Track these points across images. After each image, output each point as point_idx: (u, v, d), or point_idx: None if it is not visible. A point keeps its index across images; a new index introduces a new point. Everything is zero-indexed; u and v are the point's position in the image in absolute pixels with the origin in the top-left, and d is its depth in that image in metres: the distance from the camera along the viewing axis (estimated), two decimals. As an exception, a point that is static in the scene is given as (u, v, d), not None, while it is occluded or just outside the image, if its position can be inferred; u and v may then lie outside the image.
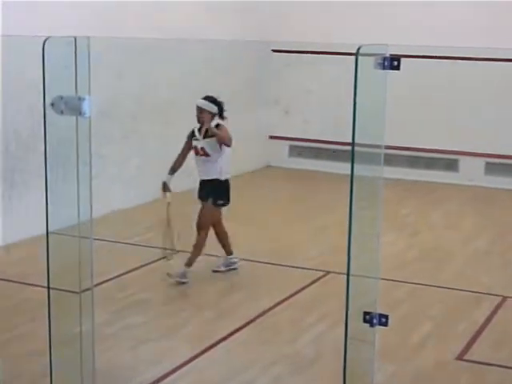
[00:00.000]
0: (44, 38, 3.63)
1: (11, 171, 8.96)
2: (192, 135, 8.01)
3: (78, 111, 3.65)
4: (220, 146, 7.89)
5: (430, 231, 10.13)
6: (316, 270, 8.29)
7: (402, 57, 3.73)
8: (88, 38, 3.67)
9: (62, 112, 3.70)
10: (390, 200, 10.96)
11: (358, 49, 3.44)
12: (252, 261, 8.59)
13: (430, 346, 6.47)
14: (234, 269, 8.27)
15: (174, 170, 8.01)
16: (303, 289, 7.77)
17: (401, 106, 12.07)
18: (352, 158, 3.61)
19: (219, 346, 6.39)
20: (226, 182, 8.09)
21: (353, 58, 3.48)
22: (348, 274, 3.75)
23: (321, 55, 13.36)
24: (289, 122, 13.87)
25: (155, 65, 11.02)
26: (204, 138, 7.92)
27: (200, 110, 7.85)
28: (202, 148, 7.92)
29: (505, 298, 7.48)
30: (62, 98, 3.66)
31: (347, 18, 13.06)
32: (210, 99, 7.92)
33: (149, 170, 10.46)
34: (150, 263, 8.44)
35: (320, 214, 10.82)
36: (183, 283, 7.80)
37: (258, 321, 6.93)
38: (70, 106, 3.66)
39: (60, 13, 9.14)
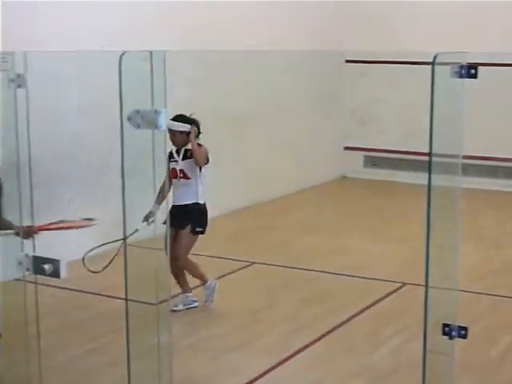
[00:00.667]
0: (120, 53, 3.68)
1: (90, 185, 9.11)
2: (170, 157, 7.35)
3: (154, 125, 3.68)
4: (200, 168, 7.41)
5: (511, 243, 9.93)
6: (393, 281, 8.21)
7: (480, 65, 3.67)
8: (164, 52, 3.70)
9: (138, 126, 3.74)
10: (470, 211, 10.78)
11: (435, 57, 3.39)
12: (329, 272, 8.55)
13: (510, 359, 6.33)
14: (194, 307, 7.57)
15: (162, 199, 6.62)
16: (380, 300, 7.70)
17: (481, 114, 11.88)
18: (429, 167, 3.56)
19: (296, 357, 6.37)
20: (204, 205, 7.52)
21: (429, 66, 3.44)
22: (426, 286, 3.69)
23: (396, 65, 13.25)
24: (364, 132, 13.79)
25: (231, 76, 11.09)
26: (183, 159, 7.38)
27: (170, 131, 7.12)
28: (181, 170, 7.37)
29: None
30: (138, 111, 3.70)
31: (423, 26, 12.93)
32: (180, 119, 7.28)
33: (222, 181, 10.49)
34: (224, 275, 8.47)
35: (397, 225, 10.72)
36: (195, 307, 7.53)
37: (334, 333, 6.88)
38: (147, 120, 3.69)
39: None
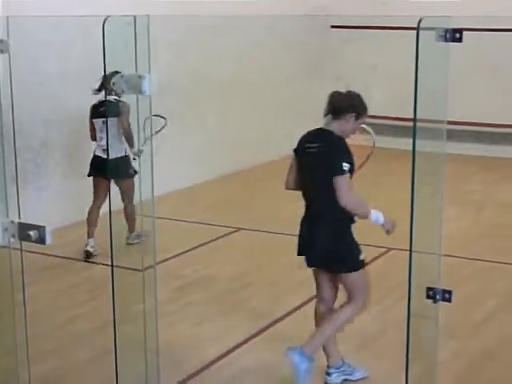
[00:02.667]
0: (104, 18, 3.65)
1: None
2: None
3: (138, 90, 3.66)
4: None
5: (496, 207, 9.98)
6: (378, 246, 8.24)
7: (465, 30, 3.66)
8: (148, 16, 3.68)
9: (122, 91, 3.73)
10: (455, 176, 10.79)
11: (419, 22, 3.38)
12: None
13: (494, 322, 6.40)
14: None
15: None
16: (366, 265, 7.71)
17: (465, 79, 11.88)
18: (414, 133, 3.56)
19: (281, 322, 6.41)
20: None
21: (414, 31, 3.43)
22: (410, 250, 3.71)
23: (381, 30, 13.21)
24: (350, 98, 13.73)
25: (215, 42, 11.03)
26: None
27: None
28: None
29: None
30: (122, 76, 3.68)
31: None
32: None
33: (210, 147, 10.47)
34: (211, 241, 8.49)
35: (382, 190, 10.74)
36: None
37: (320, 298, 6.91)
38: (131, 85, 3.67)
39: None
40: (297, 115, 12.94)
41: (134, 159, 7.69)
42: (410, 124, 3.55)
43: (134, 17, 3.60)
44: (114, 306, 4.25)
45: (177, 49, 10.12)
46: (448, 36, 3.56)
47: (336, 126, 5.22)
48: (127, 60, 3.74)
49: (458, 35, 3.56)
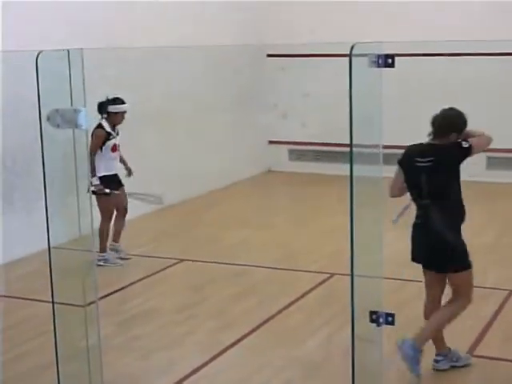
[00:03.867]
0: (37, 52, 3.63)
1: (10, 188, 8.96)
2: (108, 134, 8.55)
3: (74, 124, 3.64)
4: None
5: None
6: (321, 272, 8.28)
7: (397, 55, 3.72)
8: (81, 50, 3.66)
9: (58, 125, 3.69)
10: (392, 199, 10.93)
11: (352, 48, 3.42)
12: (258, 266, 8.58)
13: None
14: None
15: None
16: (309, 292, 7.76)
17: (400, 103, 12.09)
18: (351, 158, 3.60)
19: (229, 352, 6.38)
20: None
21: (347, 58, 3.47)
22: (352, 275, 3.74)
23: (315, 57, 13.35)
24: (287, 125, 13.86)
25: (151, 72, 11.02)
26: (117, 135, 8.70)
27: (121, 113, 8.61)
28: (118, 145, 8.71)
29: (511, 292, 7.46)
30: (57, 110, 3.65)
31: (339, 17, 13.03)
32: (122, 100, 8.64)
33: (149, 179, 10.41)
34: (153, 274, 8.43)
35: (323, 216, 10.81)
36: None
37: (266, 326, 6.91)
38: (66, 119, 3.64)
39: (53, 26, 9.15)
40: (234, 144, 13.00)
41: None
42: (347, 149, 3.59)
43: (68, 50, 3.58)
44: (57, 343, 4.19)
45: (113, 81, 10.07)
46: (380, 61, 3.62)
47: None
48: (62, 94, 3.71)
49: (390, 60, 3.62)
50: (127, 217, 8.94)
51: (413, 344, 5.58)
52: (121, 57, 10.28)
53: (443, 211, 5.64)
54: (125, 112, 8.62)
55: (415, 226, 5.89)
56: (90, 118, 3.76)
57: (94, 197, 8.32)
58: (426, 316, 5.86)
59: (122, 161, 8.90)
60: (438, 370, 5.84)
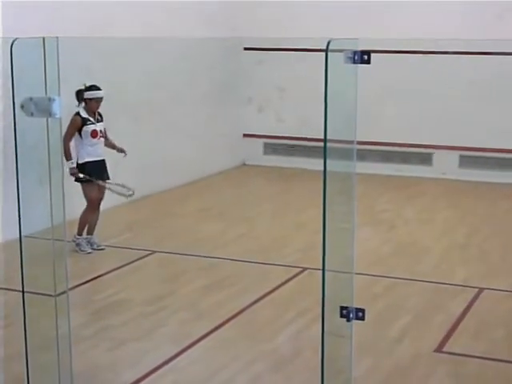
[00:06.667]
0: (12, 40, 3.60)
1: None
2: (85, 121, 8.65)
3: (48, 112, 3.61)
4: None
5: (406, 225, 10.17)
6: (293, 266, 8.30)
7: (373, 52, 3.73)
8: (57, 38, 3.64)
9: (32, 114, 3.67)
10: (366, 195, 11.00)
11: (328, 44, 3.43)
12: (231, 259, 8.59)
13: (407, 339, 6.49)
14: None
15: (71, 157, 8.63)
16: (281, 286, 7.78)
17: (374, 100, 12.15)
18: (324, 154, 3.61)
19: (199, 344, 6.38)
20: None
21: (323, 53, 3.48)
22: (323, 270, 3.75)
23: (293, 52, 13.37)
24: (262, 119, 13.87)
25: (127, 64, 10.97)
26: (97, 122, 8.77)
27: (96, 99, 8.68)
28: (101, 131, 8.80)
29: (481, 290, 7.53)
30: (31, 99, 3.63)
31: (318, 13, 13.05)
32: (97, 87, 8.70)
33: (122, 170, 10.38)
34: (126, 264, 8.41)
35: (296, 210, 10.83)
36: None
37: (236, 319, 6.92)
38: (40, 108, 3.62)
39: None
40: (209, 137, 12.98)
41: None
42: (321, 144, 3.60)
43: (43, 38, 3.56)
44: (26, 333, 4.17)
45: (88, 71, 10.01)
46: (356, 58, 3.63)
47: None
48: (37, 82, 3.69)
49: (366, 57, 3.63)
50: (101, 206, 8.94)
51: None
52: (96, 46, 10.22)
53: None
54: (101, 98, 8.69)
55: None
56: (64, 107, 3.72)
57: (74, 186, 8.59)
58: None
59: (111, 145, 9.01)
60: None
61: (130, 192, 8.81)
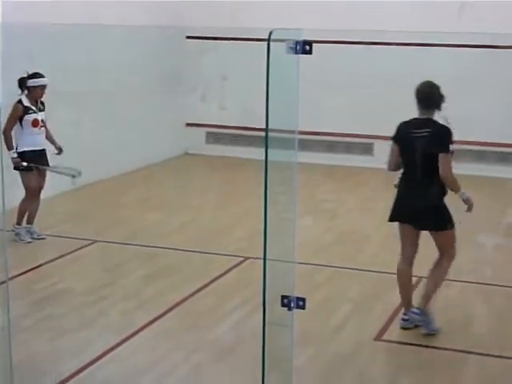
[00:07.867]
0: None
1: None
2: (27, 110, 8.51)
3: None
4: None
5: (348, 214, 10.25)
6: (235, 255, 8.32)
7: (316, 42, 3.75)
8: (-3, 24, 3.59)
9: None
10: (308, 185, 11.05)
11: (270, 33, 3.44)
12: (172, 248, 8.57)
13: (348, 327, 6.56)
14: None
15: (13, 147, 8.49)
16: (222, 275, 7.79)
17: (319, 91, 12.20)
18: (266, 143, 3.62)
19: (140, 334, 6.37)
20: None
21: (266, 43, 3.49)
22: (265, 259, 3.77)
23: (236, 41, 13.35)
24: (205, 108, 13.84)
25: (70, 51, 10.84)
26: (39, 111, 8.65)
27: (40, 87, 8.56)
28: (42, 120, 8.67)
29: (420, 279, 7.61)
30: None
31: (261, 2, 13.05)
32: (41, 74, 8.57)
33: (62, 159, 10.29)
34: (66, 254, 8.34)
35: (238, 200, 10.85)
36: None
37: (177, 309, 6.92)
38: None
39: None
40: (151, 126, 12.91)
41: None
42: (263, 134, 3.61)
43: (-17, 25, 3.51)
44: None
45: (31, 58, 9.87)
46: (298, 48, 3.64)
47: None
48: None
49: (307, 47, 3.65)
50: (41, 195, 8.85)
51: (418, 310, 6.36)
52: (39, 33, 10.09)
53: (433, 179, 6.17)
54: (44, 86, 8.58)
55: (404, 190, 6.37)
56: (6, 96, 3.67)
57: (13, 174, 8.44)
58: (400, 278, 6.51)
59: (51, 139, 8.86)
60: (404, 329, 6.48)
61: (76, 172, 8.65)
